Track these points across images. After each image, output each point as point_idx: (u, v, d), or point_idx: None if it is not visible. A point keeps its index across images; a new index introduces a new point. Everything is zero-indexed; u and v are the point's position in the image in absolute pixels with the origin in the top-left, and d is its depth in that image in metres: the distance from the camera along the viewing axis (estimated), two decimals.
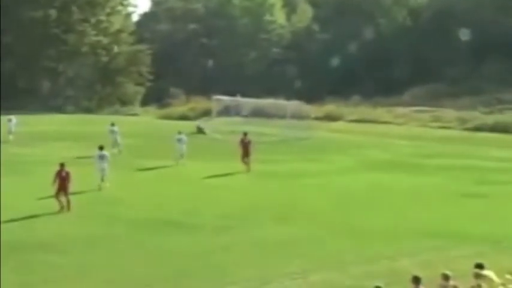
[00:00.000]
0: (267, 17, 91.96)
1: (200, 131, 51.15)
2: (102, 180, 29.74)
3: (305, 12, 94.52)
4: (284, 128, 51.74)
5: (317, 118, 58.92)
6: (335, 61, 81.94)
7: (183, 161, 36.63)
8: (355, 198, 29.15)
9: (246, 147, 35.10)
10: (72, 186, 25.93)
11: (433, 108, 61.37)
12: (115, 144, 36.78)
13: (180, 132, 38.13)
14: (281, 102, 59.31)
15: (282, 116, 55.50)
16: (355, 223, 24.72)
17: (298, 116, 53.87)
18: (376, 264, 19.87)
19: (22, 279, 18.22)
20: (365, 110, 61.95)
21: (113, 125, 41.32)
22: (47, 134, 42.15)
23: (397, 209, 27.52)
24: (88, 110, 72.04)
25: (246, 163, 34.87)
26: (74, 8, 75.49)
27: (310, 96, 64.06)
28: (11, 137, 42.87)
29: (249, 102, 60.18)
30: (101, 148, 30.29)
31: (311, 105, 61.09)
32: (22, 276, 18.46)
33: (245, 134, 36.00)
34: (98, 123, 56.05)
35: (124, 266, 19.46)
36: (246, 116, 56.30)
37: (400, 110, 61.98)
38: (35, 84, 73.63)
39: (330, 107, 63.79)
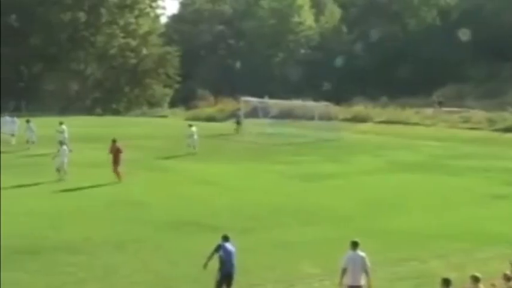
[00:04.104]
0: (295, 18, 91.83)
1: (238, 123, 51.51)
2: (59, 171, 31.27)
3: (333, 13, 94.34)
4: (312, 129, 51.55)
5: (345, 119, 58.68)
6: (363, 62, 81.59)
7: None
8: (384, 200, 28.89)
9: (115, 155, 31.88)
10: None
11: (462, 109, 60.83)
12: (63, 143, 35.02)
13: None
14: (309, 103, 59.11)
15: (310, 118, 55.29)
16: (383, 225, 24.50)
17: (326, 118, 53.63)
18: (405, 266, 19.72)
19: (50, 281, 18.29)
20: (393, 111, 61.53)
21: (61, 123, 40.94)
22: (74, 135, 42.21)
23: (425, 210, 27.23)
24: (116, 112, 72.38)
25: (115, 172, 31.50)
26: (103, 11, 75.94)
27: (338, 97, 63.89)
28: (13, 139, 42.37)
29: (277, 104, 60.07)
30: (61, 143, 33.10)
31: (339, 106, 60.90)
32: (49, 277, 18.52)
33: (114, 141, 32.64)
34: (125, 125, 56.28)
35: (150, 267, 19.45)
36: (273, 118, 56.12)
37: (429, 111, 61.52)
38: (64, 86, 74.17)
39: (358, 108, 63.48)
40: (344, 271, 15.89)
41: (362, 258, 15.93)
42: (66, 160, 31.73)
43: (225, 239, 16.94)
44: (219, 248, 16.73)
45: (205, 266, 16.79)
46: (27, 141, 41.13)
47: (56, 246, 21.15)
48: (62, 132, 39.57)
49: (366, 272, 15.91)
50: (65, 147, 32.55)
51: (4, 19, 72.14)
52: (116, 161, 31.64)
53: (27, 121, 42.11)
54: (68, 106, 69.93)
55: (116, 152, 31.86)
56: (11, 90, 74.22)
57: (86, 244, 21.42)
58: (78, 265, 19.43)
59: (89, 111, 70.26)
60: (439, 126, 57.02)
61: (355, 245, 16.06)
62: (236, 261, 16.79)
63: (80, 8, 74.80)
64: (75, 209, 25.99)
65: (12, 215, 24.71)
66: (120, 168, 31.52)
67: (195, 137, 41.00)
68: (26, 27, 72.14)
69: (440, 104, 63.70)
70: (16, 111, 54.43)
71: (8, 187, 28.43)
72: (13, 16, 74.10)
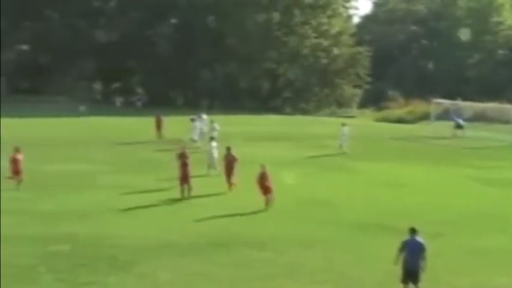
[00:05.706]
0: (494, 18, 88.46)
1: (458, 126, 50.52)
2: (210, 167, 31.90)
3: None
4: (508, 133, 49.43)
5: None
6: None
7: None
8: None
9: (229, 164, 28.97)
10: None
11: None
12: (213, 139, 35.33)
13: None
14: (505, 106, 56.75)
15: (506, 121, 53.09)
16: None
17: None
18: None
19: (237, 275, 18.71)
20: None
21: (212, 122, 41.58)
22: (260, 134, 42.95)
23: None
24: (305, 112, 73.08)
25: (228, 182, 28.92)
26: (296, 11, 76.91)
27: None
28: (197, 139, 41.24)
29: (470, 106, 58.14)
30: (211, 139, 33.97)
31: None
32: (237, 271, 18.96)
33: (228, 148, 29.64)
34: (312, 124, 56.67)
35: (334, 267, 19.43)
36: (466, 120, 54.36)
37: None
38: (256, 86, 75.95)
39: None
40: None
41: None
42: (216, 155, 32.13)
43: (412, 232, 17.00)
44: (403, 246, 16.84)
45: (395, 262, 16.91)
46: (191, 139, 41.61)
47: (245, 241, 21.65)
48: (213, 129, 40.65)
49: None
50: (214, 143, 33.22)
51: (202, 21, 74.99)
52: (229, 170, 28.94)
53: (192, 120, 42.50)
54: (259, 105, 71.55)
55: (230, 161, 29.08)
56: (206, 89, 77.11)
57: (273, 241, 21.75)
58: (265, 261, 19.77)
59: (279, 110, 71.45)
60: None
61: None
62: (423, 255, 16.64)
63: (274, 8, 76.25)
64: (264, 206, 26.43)
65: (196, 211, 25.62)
66: (234, 179, 28.81)
67: (345, 137, 40.47)
68: (222, 28, 74.61)
69: None
70: (210, 110, 56.27)
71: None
72: (211, 17, 76.89)
